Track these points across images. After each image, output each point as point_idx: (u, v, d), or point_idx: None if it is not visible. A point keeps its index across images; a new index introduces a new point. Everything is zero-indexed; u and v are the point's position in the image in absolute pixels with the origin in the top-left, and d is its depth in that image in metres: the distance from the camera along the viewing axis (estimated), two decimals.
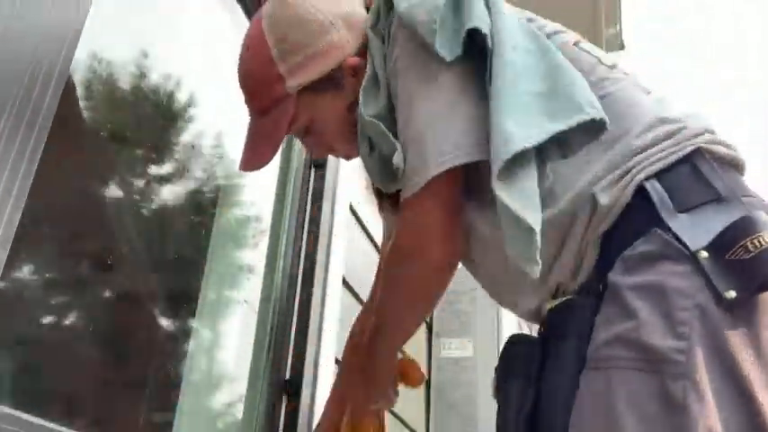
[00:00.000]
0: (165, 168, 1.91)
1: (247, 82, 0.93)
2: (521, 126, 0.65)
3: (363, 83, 0.84)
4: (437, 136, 0.73)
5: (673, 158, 0.69)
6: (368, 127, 0.83)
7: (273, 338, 1.37)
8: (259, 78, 0.90)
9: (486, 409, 2.28)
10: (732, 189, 0.68)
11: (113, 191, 1.84)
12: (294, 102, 0.89)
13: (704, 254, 0.60)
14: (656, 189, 0.66)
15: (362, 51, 0.89)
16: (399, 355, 0.97)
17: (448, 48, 0.73)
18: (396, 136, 0.79)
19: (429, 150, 0.72)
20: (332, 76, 0.89)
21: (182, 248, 1.80)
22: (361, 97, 0.84)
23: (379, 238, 1.81)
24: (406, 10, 0.78)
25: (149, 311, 1.84)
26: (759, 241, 0.59)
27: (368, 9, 0.93)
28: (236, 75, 0.94)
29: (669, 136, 0.71)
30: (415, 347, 2.20)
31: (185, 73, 1.78)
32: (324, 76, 0.88)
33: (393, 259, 0.83)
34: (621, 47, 4.66)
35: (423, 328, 2.44)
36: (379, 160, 0.83)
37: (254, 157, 0.94)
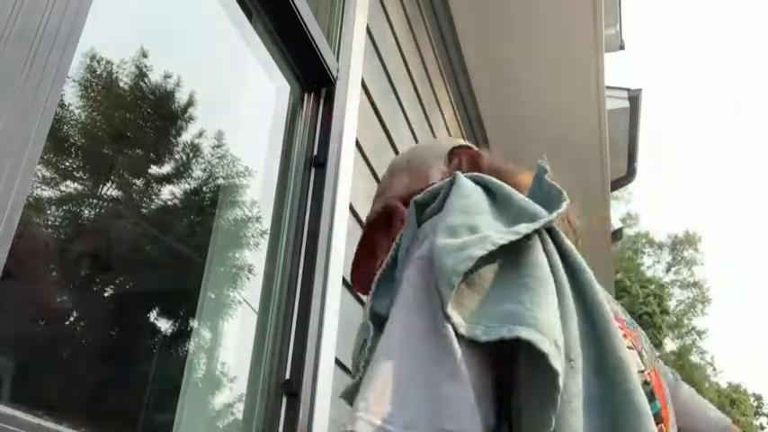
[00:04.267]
0: (165, 168, 1.90)
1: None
2: None
3: (382, 268, 0.69)
4: (398, 398, 0.49)
5: None
6: (363, 329, 0.67)
7: (273, 338, 1.37)
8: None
9: None
10: None
11: (113, 191, 1.84)
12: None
13: None
14: None
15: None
16: None
17: (481, 330, 0.51)
18: None
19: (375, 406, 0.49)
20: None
21: (182, 248, 1.80)
22: (374, 286, 0.69)
23: None
24: (439, 247, 0.57)
25: (149, 311, 1.84)
26: None
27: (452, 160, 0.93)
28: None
29: None
30: None
31: (185, 73, 1.78)
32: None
33: None
34: (621, 47, 4.66)
35: None
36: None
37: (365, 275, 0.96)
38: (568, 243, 0.62)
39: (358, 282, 1.01)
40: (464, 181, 0.67)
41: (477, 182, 0.68)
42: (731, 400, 24.48)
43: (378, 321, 0.63)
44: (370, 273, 0.90)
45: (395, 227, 0.86)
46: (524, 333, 0.48)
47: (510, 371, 0.53)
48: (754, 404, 26.18)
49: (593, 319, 0.56)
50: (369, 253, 0.97)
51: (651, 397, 0.65)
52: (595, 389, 0.52)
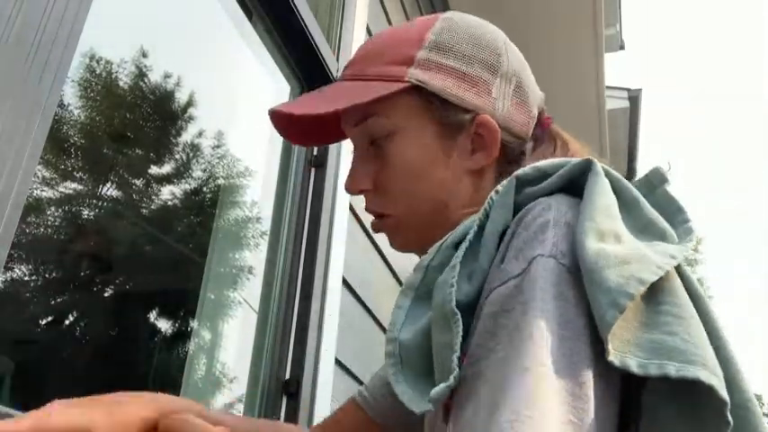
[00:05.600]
0: (165, 168, 1.90)
1: (375, 42, 0.73)
2: None
3: (464, 246, 0.55)
4: None
5: None
6: (440, 311, 0.53)
7: (273, 338, 1.37)
8: (390, 45, 0.70)
9: None
10: None
11: (113, 191, 1.83)
12: (400, 94, 0.66)
13: None
14: None
15: (499, 141, 0.67)
16: None
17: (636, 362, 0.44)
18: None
19: None
20: (452, 113, 0.67)
21: (182, 248, 1.80)
22: (457, 262, 0.54)
23: (379, 238, 1.81)
24: (594, 252, 0.48)
25: (150, 311, 1.84)
26: None
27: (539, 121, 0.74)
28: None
29: None
30: None
31: (185, 73, 1.78)
32: (447, 101, 0.66)
33: None
34: (621, 47, 4.66)
35: None
36: (418, 347, 0.56)
37: (306, 106, 0.71)
38: (687, 269, 0.55)
39: (293, 135, 0.77)
40: (602, 174, 0.54)
41: (607, 175, 0.55)
42: None
43: (462, 311, 0.52)
44: (309, 132, 0.75)
45: (457, 145, 0.68)
46: (704, 375, 0.43)
47: (630, 398, 0.48)
48: None
49: (719, 344, 0.51)
50: (318, 120, 0.72)
51: None
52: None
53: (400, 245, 0.73)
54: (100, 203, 1.79)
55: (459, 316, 0.51)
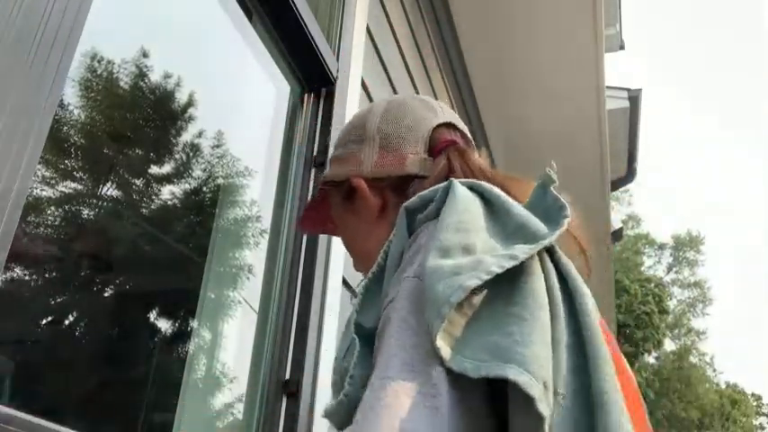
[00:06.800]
0: (165, 168, 1.90)
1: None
2: None
3: (368, 276, 0.65)
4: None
5: None
6: (347, 337, 0.63)
7: (273, 338, 1.37)
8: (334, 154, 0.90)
9: None
10: None
11: (113, 191, 1.83)
12: (326, 191, 0.88)
13: None
14: None
15: (386, 185, 0.80)
16: None
17: (469, 365, 0.48)
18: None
19: None
20: (340, 187, 0.84)
21: (182, 248, 1.80)
22: (360, 295, 0.64)
23: None
24: (431, 269, 0.53)
25: (150, 311, 1.84)
26: None
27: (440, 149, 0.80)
28: None
29: None
30: None
31: (185, 73, 1.78)
32: (335, 182, 0.85)
33: None
34: (621, 47, 4.66)
35: None
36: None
37: (302, 220, 0.98)
38: (567, 263, 0.59)
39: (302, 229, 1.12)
40: (461, 191, 0.60)
41: (473, 189, 0.62)
42: (732, 401, 24.47)
43: (362, 335, 0.60)
44: (314, 231, 1.01)
45: (356, 207, 0.82)
46: (511, 373, 0.45)
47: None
48: (754, 404, 26.17)
49: (585, 351, 0.52)
50: (318, 215, 0.93)
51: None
52: (584, 427, 0.49)
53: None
54: (100, 203, 1.79)
55: (356, 340, 0.59)
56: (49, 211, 1.63)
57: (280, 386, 1.33)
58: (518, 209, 0.60)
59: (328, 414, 0.59)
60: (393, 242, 0.65)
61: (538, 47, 2.98)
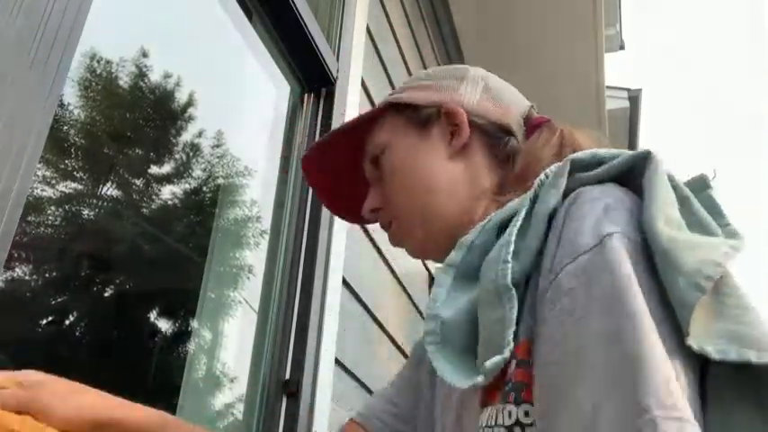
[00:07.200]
0: (165, 168, 1.90)
1: None
2: None
3: (517, 224, 0.55)
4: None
5: None
6: (492, 287, 0.54)
7: (273, 338, 1.37)
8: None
9: None
10: None
11: (113, 191, 1.83)
12: (382, 115, 0.78)
13: None
14: None
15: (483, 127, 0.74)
16: None
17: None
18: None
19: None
20: (422, 112, 0.75)
21: (182, 248, 1.80)
22: (511, 239, 0.54)
23: (378, 238, 1.81)
24: (668, 237, 0.47)
25: (150, 311, 1.84)
26: None
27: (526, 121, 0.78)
28: None
29: None
30: None
31: (185, 73, 1.78)
32: (416, 106, 0.76)
33: None
34: (621, 47, 4.66)
35: None
36: (466, 321, 0.57)
37: (307, 158, 0.85)
38: None
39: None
40: (662, 166, 0.54)
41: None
42: None
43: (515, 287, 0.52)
44: (314, 176, 0.84)
45: (431, 136, 0.74)
46: (754, 356, 0.43)
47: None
48: None
49: None
50: (328, 158, 0.82)
51: None
52: None
53: (416, 249, 0.77)
54: (100, 203, 1.79)
55: (513, 291, 0.51)
56: (49, 211, 1.63)
57: (280, 386, 1.32)
58: (697, 202, 0.55)
59: (488, 371, 0.50)
60: (548, 191, 0.55)
61: (538, 47, 2.98)
